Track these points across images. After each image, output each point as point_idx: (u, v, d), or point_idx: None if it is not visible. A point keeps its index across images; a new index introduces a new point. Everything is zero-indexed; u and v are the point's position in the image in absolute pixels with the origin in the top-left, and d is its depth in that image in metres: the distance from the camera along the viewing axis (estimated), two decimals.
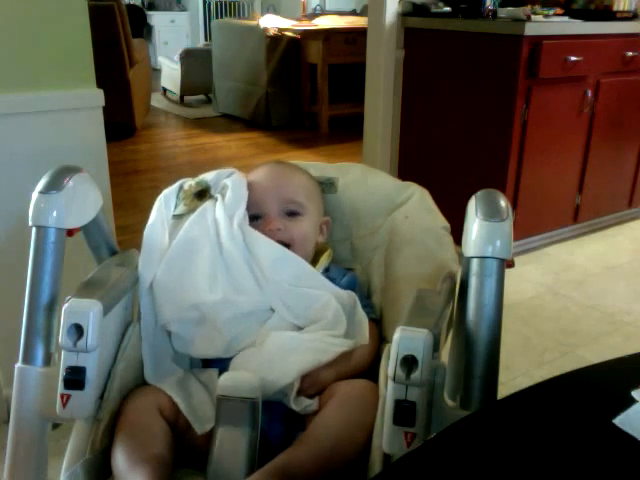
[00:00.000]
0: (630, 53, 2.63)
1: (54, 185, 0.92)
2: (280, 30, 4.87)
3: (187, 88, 5.94)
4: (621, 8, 2.67)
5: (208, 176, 1.12)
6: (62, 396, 0.84)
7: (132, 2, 7.94)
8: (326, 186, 1.19)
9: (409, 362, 0.76)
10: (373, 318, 1.08)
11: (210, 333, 0.98)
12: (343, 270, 1.13)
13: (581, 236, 2.92)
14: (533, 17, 2.39)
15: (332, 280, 1.06)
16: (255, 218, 1.07)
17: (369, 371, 0.98)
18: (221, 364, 0.97)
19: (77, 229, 0.97)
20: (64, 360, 0.84)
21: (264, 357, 0.93)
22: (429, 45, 2.63)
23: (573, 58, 2.42)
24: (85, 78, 1.51)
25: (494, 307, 0.82)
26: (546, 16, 2.51)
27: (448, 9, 2.67)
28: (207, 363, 1.02)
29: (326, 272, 1.09)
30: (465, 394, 0.82)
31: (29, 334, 0.90)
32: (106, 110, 1.55)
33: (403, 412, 0.76)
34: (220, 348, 0.97)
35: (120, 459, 0.85)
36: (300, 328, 1.00)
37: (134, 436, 0.87)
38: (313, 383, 0.94)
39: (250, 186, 1.09)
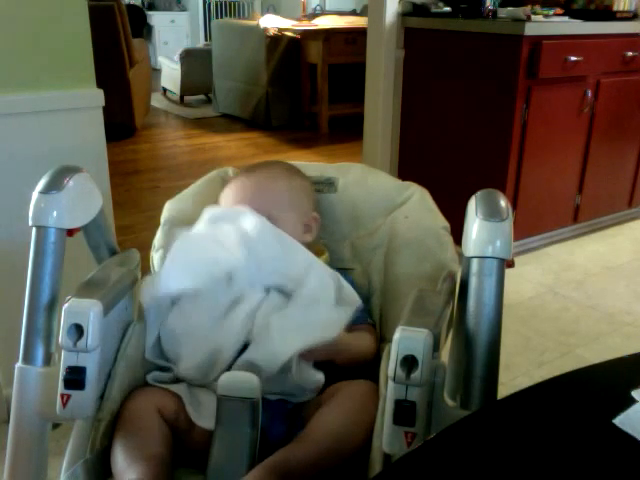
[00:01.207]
0: (630, 53, 2.63)
1: (54, 185, 0.92)
2: (280, 30, 4.87)
3: (187, 88, 5.94)
4: (621, 8, 2.67)
5: None
6: (62, 396, 0.84)
7: (132, 2, 7.93)
8: (326, 186, 1.18)
9: (409, 362, 0.76)
10: (370, 323, 1.08)
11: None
12: (340, 272, 1.12)
13: (581, 236, 2.92)
14: (533, 17, 2.39)
15: None
16: None
17: (369, 371, 0.98)
18: None
19: (77, 229, 0.97)
20: (64, 360, 0.84)
21: (266, 339, 0.93)
22: (429, 45, 2.63)
23: (573, 58, 2.42)
24: (85, 78, 1.51)
25: (494, 307, 0.82)
26: (546, 16, 2.51)
27: (448, 9, 2.67)
28: None
29: None
30: (465, 394, 0.82)
31: (29, 334, 0.90)
32: (106, 110, 1.55)
33: (403, 412, 0.76)
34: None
35: (119, 457, 0.85)
36: (285, 295, 0.99)
37: (133, 435, 0.87)
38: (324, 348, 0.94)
39: (230, 190, 1.10)
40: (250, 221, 1.01)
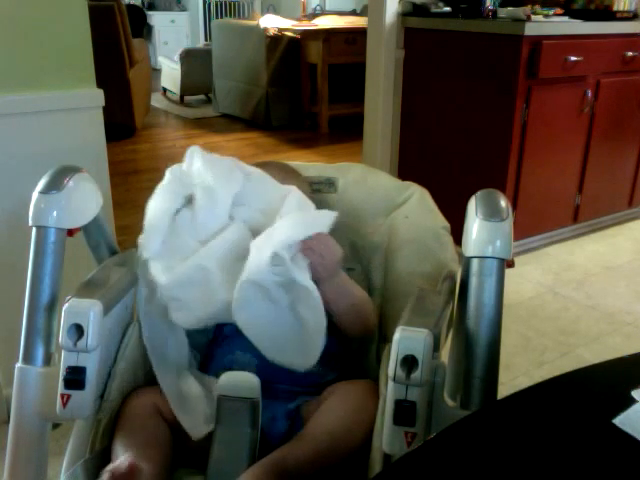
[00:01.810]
0: (630, 53, 2.63)
1: (54, 185, 0.92)
2: (280, 30, 4.87)
3: (187, 88, 5.94)
4: (621, 8, 2.67)
5: None
6: (62, 396, 0.84)
7: (132, 2, 7.93)
8: (326, 186, 1.18)
9: (409, 362, 0.76)
10: None
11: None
12: None
13: (581, 236, 2.92)
14: (533, 17, 2.39)
15: None
16: None
17: (369, 371, 0.98)
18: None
19: (77, 229, 0.97)
20: (64, 360, 0.84)
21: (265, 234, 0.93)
22: (429, 45, 2.63)
23: (573, 58, 2.42)
24: (85, 78, 1.51)
25: (494, 307, 0.82)
26: (546, 16, 2.51)
27: (448, 9, 2.67)
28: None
29: None
30: (465, 394, 0.82)
31: (29, 334, 0.90)
32: (106, 110, 1.55)
33: (403, 412, 0.76)
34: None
35: (119, 457, 0.85)
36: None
37: (133, 435, 0.87)
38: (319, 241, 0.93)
39: None
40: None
